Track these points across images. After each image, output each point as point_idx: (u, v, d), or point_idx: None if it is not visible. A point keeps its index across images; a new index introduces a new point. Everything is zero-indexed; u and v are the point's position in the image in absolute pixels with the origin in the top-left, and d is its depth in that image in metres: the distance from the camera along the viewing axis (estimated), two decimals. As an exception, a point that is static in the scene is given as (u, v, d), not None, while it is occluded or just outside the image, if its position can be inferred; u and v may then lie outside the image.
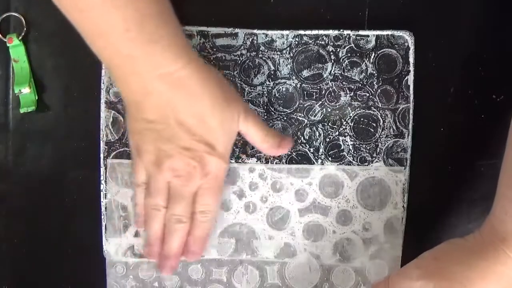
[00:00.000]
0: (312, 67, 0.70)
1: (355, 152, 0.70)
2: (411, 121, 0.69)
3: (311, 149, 0.70)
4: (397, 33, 0.69)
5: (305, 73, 0.70)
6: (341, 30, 0.69)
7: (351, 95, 0.70)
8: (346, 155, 0.70)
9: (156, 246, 0.67)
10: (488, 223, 0.61)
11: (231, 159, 0.70)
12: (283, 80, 0.70)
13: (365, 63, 0.69)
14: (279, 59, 0.70)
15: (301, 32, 0.69)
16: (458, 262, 0.60)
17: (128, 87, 0.61)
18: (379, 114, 0.70)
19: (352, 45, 0.69)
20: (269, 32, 0.70)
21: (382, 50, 0.70)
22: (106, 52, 0.59)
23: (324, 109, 0.70)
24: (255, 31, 0.70)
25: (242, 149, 0.70)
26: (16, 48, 0.70)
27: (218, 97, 0.62)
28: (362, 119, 0.70)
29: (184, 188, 0.64)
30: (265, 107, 0.70)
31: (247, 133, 0.65)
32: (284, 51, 0.70)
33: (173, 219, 0.65)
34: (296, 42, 0.70)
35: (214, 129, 0.62)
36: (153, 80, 0.59)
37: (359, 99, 0.70)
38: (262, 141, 0.66)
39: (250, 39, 0.70)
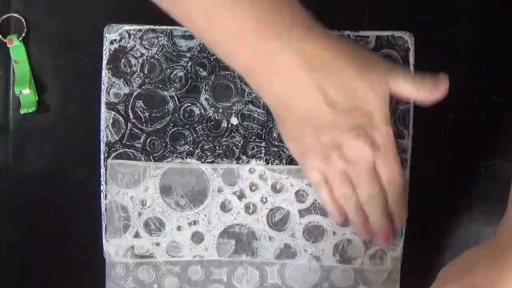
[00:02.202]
0: (312, 67, 0.70)
1: (355, 152, 0.70)
2: (411, 122, 0.69)
3: (311, 150, 0.70)
4: (397, 33, 0.69)
5: (305, 73, 0.70)
6: (341, 31, 0.69)
7: (351, 95, 0.70)
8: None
9: (365, 227, 0.66)
10: (504, 229, 0.59)
11: (231, 160, 0.70)
12: (283, 81, 0.70)
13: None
14: (279, 60, 0.70)
15: (301, 32, 0.70)
16: (485, 276, 0.57)
17: (274, 88, 0.59)
18: (379, 114, 0.70)
19: (352, 45, 0.70)
20: (269, 33, 0.70)
21: (382, 51, 0.70)
22: (240, 55, 0.58)
23: (324, 110, 0.70)
24: (255, 31, 0.70)
25: (242, 150, 0.70)
26: (16, 49, 0.70)
27: (359, 64, 0.59)
28: (362, 119, 0.70)
29: (362, 168, 0.62)
30: (265, 108, 0.70)
31: (399, 91, 0.62)
32: (284, 52, 0.70)
33: (368, 200, 0.64)
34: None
35: (366, 98, 0.59)
36: (297, 69, 0.57)
37: (359, 100, 0.70)
38: (418, 93, 0.62)
39: (250, 40, 0.70)
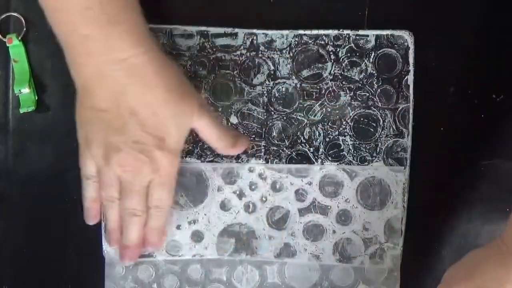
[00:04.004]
0: (312, 67, 0.70)
1: (355, 151, 0.70)
2: (411, 121, 0.69)
3: (311, 149, 0.70)
4: (396, 33, 0.69)
5: (305, 73, 0.70)
6: (341, 30, 0.69)
7: (351, 95, 0.70)
8: (346, 154, 0.70)
9: (115, 234, 0.67)
10: (511, 230, 0.59)
11: (230, 159, 0.70)
12: (283, 80, 0.70)
13: (365, 63, 0.69)
14: (279, 59, 0.70)
15: (301, 32, 0.69)
16: (492, 278, 0.58)
17: (81, 69, 0.60)
18: (379, 114, 0.70)
19: (352, 45, 0.69)
20: (269, 32, 0.70)
21: (382, 50, 0.69)
22: (63, 28, 0.59)
23: (324, 109, 0.70)
24: (254, 31, 0.70)
25: (242, 149, 0.70)
26: (16, 48, 0.70)
27: (173, 90, 0.61)
28: (362, 118, 0.70)
29: (134, 182, 0.63)
30: (265, 107, 0.70)
31: (201, 131, 0.64)
32: (284, 51, 0.70)
33: (127, 212, 0.65)
34: (296, 42, 0.70)
35: (166, 122, 0.61)
36: (108, 64, 0.58)
37: (359, 99, 0.70)
38: (217, 140, 0.65)
39: (250, 39, 0.70)
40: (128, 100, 0.59)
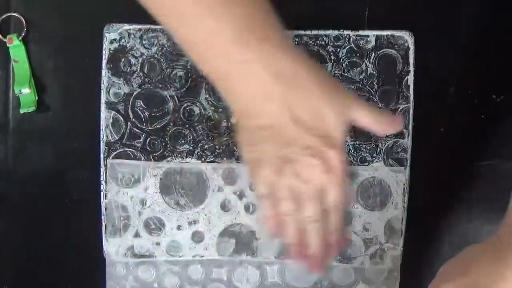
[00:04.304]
0: (312, 67, 0.70)
1: (355, 152, 0.70)
2: (411, 121, 0.70)
3: (311, 149, 0.70)
4: (397, 33, 0.69)
5: (305, 73, 0.70)
6: (341, 30, 0.69)
7: (351, 95, 0.70)
8: (346, 155, 0.70)
9: (299, 247, 0.64)
10: (506, 226, 0.59)
11: (230, 159, 0.70)
12: (283, 80, 0.70)
13: (365, 63, 0.70)
14: (279, 59, 0.70)
15: (301, 32, 0.70)
16: (487, 274, 0.58)
17: (243, 95, 0.59)
18: (379, 114, 0.70)
19: (352, 45, 0.70)
20: (269, 32, 0.70)
21: (382, 50, 0.70)
22: (216, 60, 0.58)
23: (324, 109, 0.70)
24: (255, 31, 0.70)
25: (242, 149, 0.70)
26: (16, 48, 0.70)
27: (328, 89, 0.60)
28: (362, 119, 0.70)
29: (311, 189, 0.62)
30: (265, 107, 0.70)
31: (360, 120, 0.62)
32: (284, 51, 0.70)
33: (308, 221, 0.63)
34: (296, 42, 0.70)
35: (329, 120, 0.60)
36: (269, 82, 0.57)
37: (359, 99, 0.70)
38: (377, 124, 0.63)
39: (250, 39, 0.70)
40: (291, 109, 0.59)
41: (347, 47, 0.70)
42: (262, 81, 0.57)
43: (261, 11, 0.58)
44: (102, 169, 0.70)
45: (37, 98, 0.70)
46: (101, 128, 0.70)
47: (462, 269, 0.59)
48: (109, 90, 0.70)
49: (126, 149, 0.70)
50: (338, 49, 0.70)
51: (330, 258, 0.69)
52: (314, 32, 0.69)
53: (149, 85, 0.70)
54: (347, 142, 0.70)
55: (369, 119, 0.62)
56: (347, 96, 0.61)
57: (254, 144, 0.61)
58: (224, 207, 0.71)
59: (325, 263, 0.65)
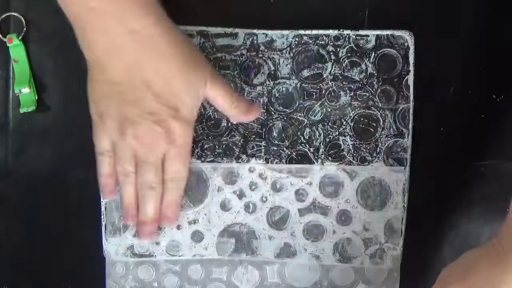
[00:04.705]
0: (312, 67, 0.70)
1: (355, 152, 0.70)
2: (411, 121, 0.69)
3: (311, 149, 0.70)
4: (397, 33, 0.69)
5: (305, 73, 0.70)
6: (341, 30, 0.69)
7: (351, 95, 0.70)
8: (346, 155, 0.70)
9: (132, 210, 0.66)
10: (506, 230, 0.59)
11: (230, 159, 0.70)
12: (283, 80, 0.70)
13: (365, 63, 0.69)
14: (279, 59, 0.70)
15: (301, 32, 0.69)
16: (487, 278, 0.58)
17: (94, 45, 0.60)
18: (379, 114, 0.70)
19: (352, 45, 0.69)
20: (269, 32, 0.70)
21: (382, 50, 0.70)
22: (74, 7, 0.58)
23: (324, 109, 0.70)
24: (255, 31, 0.70)
25: (242, 149, 0.70)
26: (16, 48, 0.70)
27: (186, 60, 0.61)
28: (362, 119, 0.70)
29: (150, 154, 0.63)
30: (265, 107, 0.70)
31: (215, 99, 0.64)
32: (284, 51, 0.70)
33: (144, 186, 0.64)
34: (296, 42, 0.70)
35: (180, 92, 0.61)
36: (121, 37, 0.58)
37: (359, 99, 0.70)
38: (230, 107, 0.65)
39: (250, 39, 0.70)
40: (143, 72, 0.59)
41: (347, 47, 0.70)
42: (118, 35, 0.58)
43: None
44: (102, 169, 0.70)
45: (37, 98, 0.70)
46: (101, 128, 0.70)
47: (462, 273, 0.59)
48: (109, 90, 0.70)
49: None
50: (338, 49, 0.70)
51: (159, 230, 0.70)
52: (314, 32, 0.69)
53: (149, 84, 0.70)
54: (347, 141, 0.70)
55: (224, 102, 0.64)
56: (206, 73, 0.62)
57: (101, 98, 0.62)
58: (224, 206, 0.71)
59: (153, 233, 0.68)
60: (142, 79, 0.60)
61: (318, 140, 0.70)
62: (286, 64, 0.70)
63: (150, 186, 0.64)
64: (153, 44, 0.59)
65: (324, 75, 0.70)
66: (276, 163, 0.70)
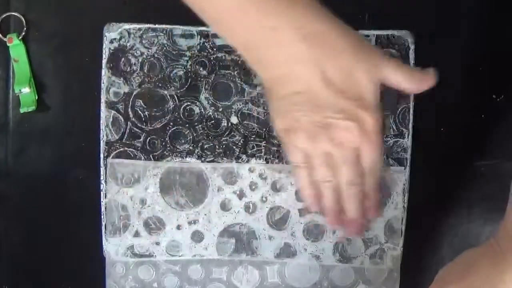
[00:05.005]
0: (312, 67, 0.70)
1: (355, 152, 0.70)
2: (411, 121, 0.69)
3: (311, 149, 0.70)
4: (397, 33, 0.69)
5: (305, 73, 0.70)
6: (341, 30, 0.69)
7: (351, 95, 0.70)
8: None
9: (337, 213, 0.64)
10: (504, 230, 0.59)
11: (230, 159, 0.70)
12: (283, 80, 0.70)
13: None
14: (279, 59, 0.70)
15: (301, 32, 0.69)
16: (485, 278, 0.58)
17: (274, 62, 0.59)
18: (379, 114, 0.70)
19: (352, 45, 0.69)
20: (269, 32, 0.69)
21: (382, 50, 0.69)
22: (244, 32, 0.57)
23: (324, 109, 0.70)
24: (255, 31, 0.69)
25: (242, 149, 0.70)
26: (16, 48, 0.70)
27: (358, 48, 0.59)
28: (362, 119, 0.70)
29: (347, 152, 0.61)
30: (265, 107, 0.70)
31: (392, 78, 0.61)
32: (284, 51, 0.70)
33: (346, 186, 0.62)
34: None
35: (362, 80, 0.59)
36: (299, 46, 0.57)
37: (359, 99, 0.70)
38: (409, 82, 0.62)
39: (250, 39, 0.70)
40: (322, 70, 0.58)
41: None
42: (292, 46, 0.57)
43: None
44: (102, 169, 0.70)
45: (37, 97, 0.70)
46: (101, 128, 0.70)
47: (461, 273, 0.59)
48: (109, 90, 0.70)
49: (126, 148, 0.70)
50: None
51: (368, 222, 0.69)
52: (314, 32, 0.69)
53: (149, 84, 0.70)
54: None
55: (400, 77, 0.61)
56: (376, 54, 0.60)
57: (287, 112, 0.60)
58: (224, 207, 0.71)
59: (364, 226, 0.65)
60: (323, 78, 0.58)
61: (318, 140, 0.70)
62: (286, 64, 0.70)
63: (353, 183, 0.62)
64: (326, 41, 0.58)
65: (324, 75, 0.70)
66: (276, 163, 0.70)
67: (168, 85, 0.70)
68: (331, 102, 0.59)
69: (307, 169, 0.62)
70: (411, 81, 0.62)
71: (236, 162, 0.71)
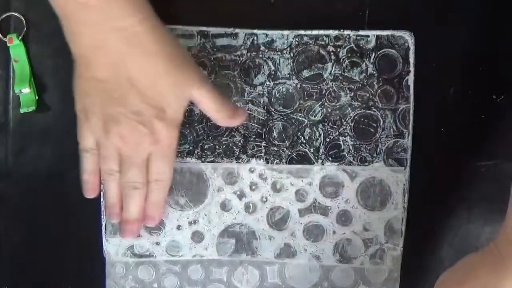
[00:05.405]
0: (312, 67, 0.70)
1: (355, 152, 0.70)
2: (411, 121, 0.69)
3: (311, 149, 0.70)
4: (397, 33, 0.69)
5: (305, 73, 0.70)
6: (341, 30, 0.69)
7: (351, 95, 0.70)
8: (346, 155, 0.70)
9: (116, 208, 0.66)
10: (504, 235, 0.59)
11: (231, 159, 0.70)
12: (283, 80, 0.70)
13: (365, 63, 0.70)
14: (279, 59, 0.70)
15: (301, 32, 0.70)
16: (485, 284, 0.57)
17: (79, 38, 0.60)
18: (379, 114, 0.70)
19: (352, 45, 0.69)
20: (269, 32, 0.70)
21: (382, 50, 0.70)
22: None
23: (324, 109, 0.70)
24: (255, 31, 0.70)
25: (242, 149, 0.70)
26: (16, 48, 0.70)
27: (173, 59, 0.60)
28: (362, 119, 0.70)
29: (134, 154, 0.63)
30: (265, 107, 0.70)
31: (201, 102, 0.63)
32: (284, 51, 0.70)
33: (127, 185, 0.64)
34: (296, 42, 0.70)
35: (166, 92, 0.61)
36: (107, 33, 0.58)
37: (359, 99, 0.70)
38: (216, 111, 0.64)
39: (250, 39, 0.70)
40: (128, 69, 0.59)
41: (347, 47, 0.70)
42: (103, 32, 0.57)
43: None
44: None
45: (37, 97, 0.70)
46: (101, 128, 0.70)
47: (460, 278, 0.59)
48: (109, 90, 0.70)
49: (126, 149, 0.70)
50: (339, 49, 0.70)
51: (140, 227, 0.69)
52: (314, 32, 0.69)
53: (149, 85, 0.70)
54: (347, 142, 0.70)
55: (210, 106, 0.63)
56: (193, 75, 0.61)
57: (86, 95, 0.61)
58: (224, 207, 0.71)
59: (137, 232, 0.68)
60: (127, 77, 0.59)
61: (318, 140, 0.70)
62: (286, 65, 0.70)
63: (134, 186, 0.64)
64: (139, 42, 0.59)
65: (324, 76, 0.70)
66: (276, 163, 0.70)
67: (168, 85, 0.70)
68: (129, 100, 0.60)
69: (94, 155, 0.64)
70: (220, 113, 0.64)
71: (236, 162, 0.71)
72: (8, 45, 0.70)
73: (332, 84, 0.70)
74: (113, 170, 0.64)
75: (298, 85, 0.70)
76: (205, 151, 0.70)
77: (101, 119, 0.61)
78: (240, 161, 0.70)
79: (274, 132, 0.70)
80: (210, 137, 0.70)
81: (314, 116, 0.70)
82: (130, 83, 0.59)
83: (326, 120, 0.70)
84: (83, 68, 0.61)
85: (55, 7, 0.60)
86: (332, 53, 0.70)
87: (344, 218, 0.70)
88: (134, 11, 0.58)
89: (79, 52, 0.61)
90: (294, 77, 0.70)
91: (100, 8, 0.57)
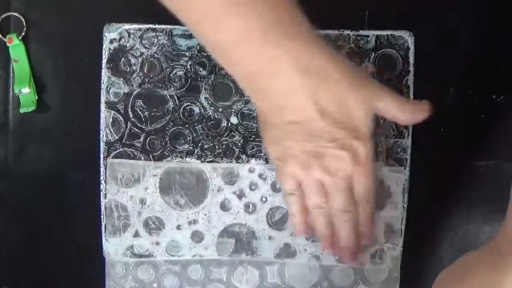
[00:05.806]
0: (312, 67, 0.70)
1: (355, 152, 0.70)
2: (411, 121, 0.69)
3: (311, 149, 0.70)
4: (397, 33, 0.69)
5: (305, 73, 0.70)
6: (341, 30, 0.69)
7: (351, 95, 0.70)
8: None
9: (330, 238, 0.65)
10: (504, 234, 0.59)
11: (230, 159, 0.70)
12: (283, 80, 0.70)
13: (365, 63, 0.69)
14: (279, 59, 0.70)
15: (301, 32, 0.69)
16: (483, 282, 0.57)
17: (271, 92, 0.59)
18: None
19: (352, 45, 0.69)
20: (269, 32, 0.69)
21: (382, 50, 0.70)
22: (243, 61, 0.58)
23: (324, 109, 0.70)
24: (255, 31, 0.69)
25: (242, 149, 0.70)
26: (16, 48, 0.70)
27: (353, 79, 0.60)
28: (362, 119, 0.70)
29: (340, 181, 0.62)
30: (265, 107, 0.70)
31: (386, 110, 0.62)
32: (284, 51, 0.70)
33: (339, 214, 0.64)
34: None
35: (355, 110, 0.60)
36: (296, 77, 0.57)
37: (359, 99, 0.70)
38: (402, 114, 0.63)
39: (250, 39, 0.70)
40: (317, 100, 0.59)
41: (347, 47, 0.70)
42: (290, 77, 0.57)
43: (287, 9, 0.58)
44: (102, 169, 0.70)
45: (37, 97, 0.70)
46: (100, 128, 0.70)
47: (460, 276, 0.59)
48: (109, 90, 0.70)
49: (125, 148, 0.70)
50: (338, 49, 0.69)
51: (363, 249, 0.69)
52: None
53: (149, 84, 0.70)
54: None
55: (395, 109, 0.62)
56: (373, 87, 0.61)
57: (281, 140, 0.61)
58: (224, 207, 0.71)
59: (357, 253, 0.66)
60: (317, 109, 0.59)
61: (318, 140, 0.70)
62: (286, 64, 0.70)
63: (345, 210, 0.63)
64: (322, 72, 0.58)
65: (324, 75, 0.70)
66: (276, 163, 0.70)
67: (168, 85, 0.70)
68: (324, 131, 0.60)
69: (299, 196, 0.64)
70: (405, 113, 0.63)
71: (236, 162, 0.71)
72: (8, 45, 0.70)
73: (332, 84, 0.70)
74: (322, 203, 0.63)
75: (298, 85, 0.70)
76: (205, 151, 0.70)
77: (300, 160, 0.61)
78: (240, 161, 0.70)
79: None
80: (210, 137, 0.70)
81: (314, 116, 0.70)
82: (321, 113, 0.59)
83: (326, 120, 0.70)
84: (275, 117, 0.60)
85: (235, 72, 0.60)
86: (332, 53, 0.69)
87: (344, 218, 0.70)
88: (312, 47, 0.58)
89: (268, 103, 0.60)
90: (294, 77, 0.70)
91: (288, 56, 0.57)
